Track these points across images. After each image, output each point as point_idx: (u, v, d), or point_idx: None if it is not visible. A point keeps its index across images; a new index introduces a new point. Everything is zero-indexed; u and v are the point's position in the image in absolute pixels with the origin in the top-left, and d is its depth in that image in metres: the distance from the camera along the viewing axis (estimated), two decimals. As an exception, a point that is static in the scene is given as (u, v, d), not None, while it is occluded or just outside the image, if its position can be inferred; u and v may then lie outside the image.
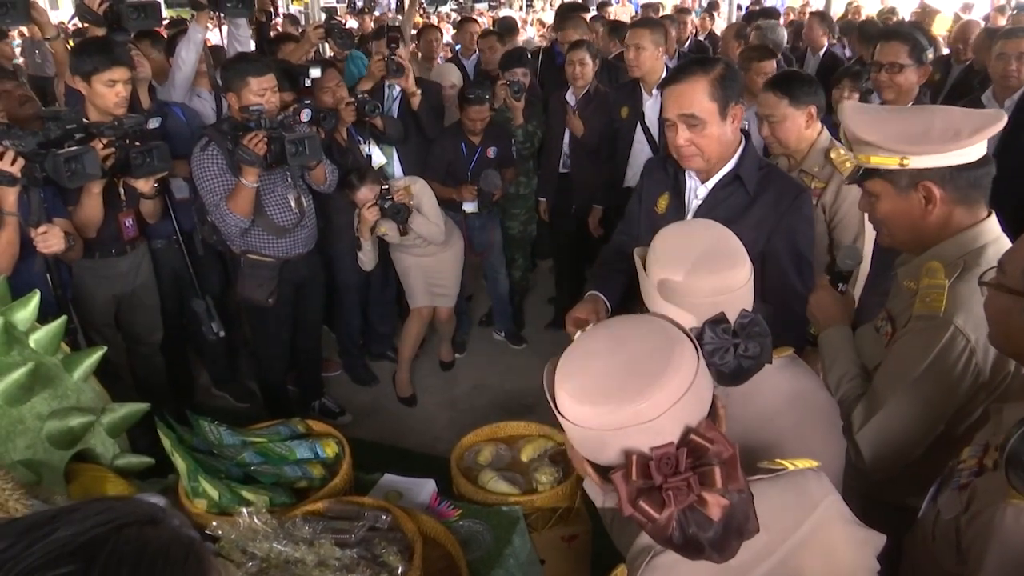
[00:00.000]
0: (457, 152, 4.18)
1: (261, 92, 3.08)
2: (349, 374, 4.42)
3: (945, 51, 5.52)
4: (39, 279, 2.60)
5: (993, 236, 1.56)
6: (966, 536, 1.26)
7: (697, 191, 2.22)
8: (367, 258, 3.80)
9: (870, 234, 2.61)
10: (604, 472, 1.03)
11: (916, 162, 1.53)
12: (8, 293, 2.08)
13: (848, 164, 2.64)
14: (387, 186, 3.63)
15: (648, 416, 0.95)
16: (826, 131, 2.81)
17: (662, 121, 3.90)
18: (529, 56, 4.92)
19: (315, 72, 3.75)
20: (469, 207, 4.21)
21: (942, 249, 1.58)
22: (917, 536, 1.43)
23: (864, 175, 1.64)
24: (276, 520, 1.65)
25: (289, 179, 3.30)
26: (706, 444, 0.96)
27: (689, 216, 2.23)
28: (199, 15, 3.52)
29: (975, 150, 1.52)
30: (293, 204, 3.31)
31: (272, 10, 6.66)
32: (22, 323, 1.98)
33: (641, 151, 4.06)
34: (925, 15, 7.27)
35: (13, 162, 2.43)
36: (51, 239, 2.54)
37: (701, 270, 1.36)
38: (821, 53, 5.86)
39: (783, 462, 1.13)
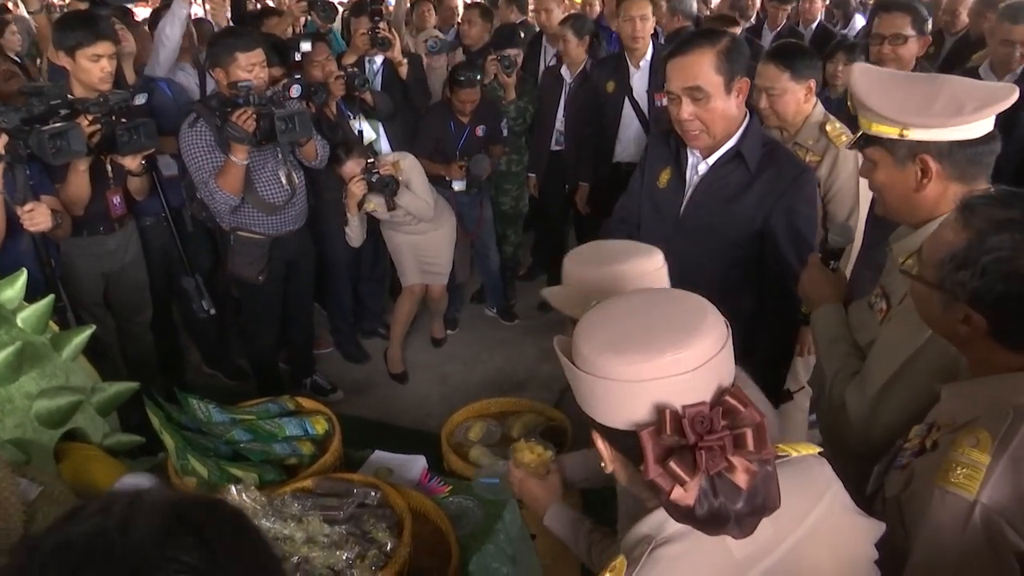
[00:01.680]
0: (445, 130, 4.15)
1: (249, 68, 3.04)
2: (340, 351, 4.42)
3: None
4: (26, 257, 2.58)
5: None
6: (906, 515, 1.28)
7: (698, 167, 2.19)
8: (354, 234, 3.78)
9: (863, 210, 2.62)
10: (617, 440, 0.99)
11: (915, 134, 1.49)
12: (-7, 272, 2.07)
13: (844, 138, 2.64)
14: (373, 159, 3.61)
15: (687, 366, 0.92)
16: (820, 104, 2.79)
17: (651, 94, 3.92)
18: (522, 35, 4.87)
19: (305, 46, 3.73)
20: (457, 186, 4.20)
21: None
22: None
23: (865, 141, 1.61)
24: (265, 497, 1.66)
25: (280, 155, 3.27)
26: (739, 406, 0.92)
27: (689, 191, 2.21)
28: None
29: (979, 126, 1.48)
30: (284, 181, 3.28)
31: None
32: (9, 302, 1.97)
33: (630, 125, 4.04)
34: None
35: None
36: (37, 217, 2.52)
37: (618, 261, 1.50)
38: (814, 26, 5.82)
39: (786, 448, 1.08)
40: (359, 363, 4.37)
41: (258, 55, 3.07)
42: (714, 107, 2.03)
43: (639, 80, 3.99)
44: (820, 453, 1.11)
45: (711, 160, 2.15)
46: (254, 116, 2.96)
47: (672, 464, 0.90)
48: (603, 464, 1.05)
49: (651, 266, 1.54)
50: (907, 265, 1.35)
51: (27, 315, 1.97)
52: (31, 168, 2.59)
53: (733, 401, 0.92)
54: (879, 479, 1.42)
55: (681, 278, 2.12)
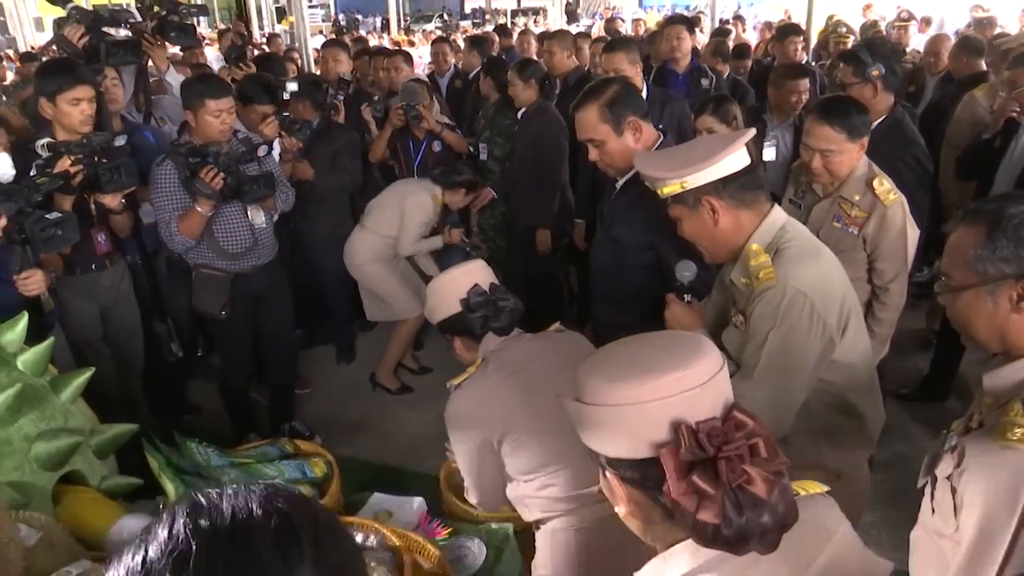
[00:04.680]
0: (404, 146, 4.34)
1: (217, 113, 3.13)
2: (340, 351, 4.73)
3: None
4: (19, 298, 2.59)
5: (784, 218, 1.88)
6: (959, 490, 1.33)
7: (616, 188, 2.53)
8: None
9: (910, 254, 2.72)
10: (633, 472, 0.99)
11: (692, 181, 1.80)
12: (-6, 317, 2.08)
13: (892, 196, 2.62)
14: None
15: (694, 383, 0.95)
16: (864, 156, 2.70)
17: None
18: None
19: (292, 86, 3.91)
20: None
21: (753, 240, 1.84)
22: (920, 522, 1.49)
23: (667, 204, 1.91)
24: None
25: (243, 206, 3.33)
26: (748, 419, 0.95)
27: (607, 207, 2.58)
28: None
29: (734, 161, 1.80)
30: (247, 228, 3.34)
31: (246, 33, 6.76)
32: (9, 345, 1.98)
33: None
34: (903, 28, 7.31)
35: None
36: (31, 284, 2.54)
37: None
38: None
39: (794, 486, 1.06)
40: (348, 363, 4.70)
41: (227, 102, 3.16)
42: (611, 149, 2.40)
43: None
44: (827, 492, 1.12)
45: (621, 182, 2.50)
46: (222, 176, 3.05)
47: (695, 478, 0.92)
48: (617, 509, 1.05)
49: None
50: (938, 290, 1.44)
51: (27, 358, 1.98)
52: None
53: (741, 415, 0.96)
54: (928, 469, 1.47)
55: (602, 275, 2.62)
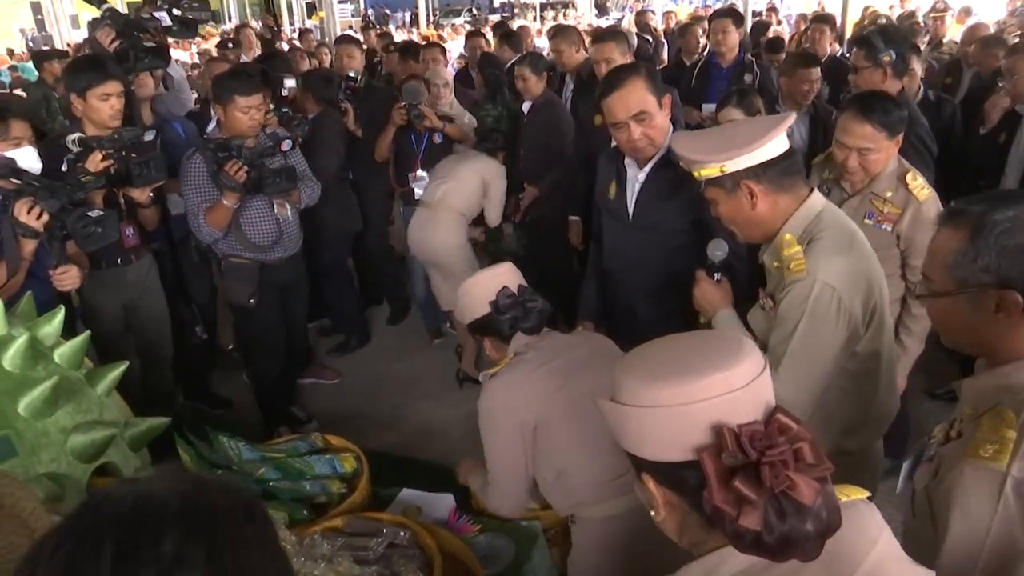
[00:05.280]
0: (406, 140, 4.37)
1: (247, 110, 3.18)
2: (354, 338, 4.77)
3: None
4: (53, 293, 2.63)
5: (821, 205, 1.87)
6: (935, 503, 1.29)
7: (638, 176, 2.48)
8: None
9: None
10: (671, 476, 0.96)
11: (732, 166, 1.79)
12: (34, 309, 2.12)
13: (925, 191, 2.58)
14: None
15: (736, 384, 0.93)
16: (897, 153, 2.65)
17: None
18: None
19: (290, 83, 3.97)
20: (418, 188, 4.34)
21: (788, 228, 1.85)
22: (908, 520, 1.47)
23: (702, 186, 1.91)
24: (295, 537, 1.66)
25: (268, 201, 3.37)
26: (792, 423, 0.92)
27: (632, 197, 2.51)
28: None
29: (775, 146, 1.79)
30: (272, 225, 3.39)
31: (276, 27, 6.82)
32: (47, 338, 2.01)
33: None
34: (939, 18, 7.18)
35: (39, 217, 2.46)
36: (67, 280, 2.58)
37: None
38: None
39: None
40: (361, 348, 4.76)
41: (257, 99, 3.21)
42: (656, 123, 2.37)
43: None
44: (868, 498, 1.08)
45: (646, 169, 2.46)
46: (245, 169, 3.10)
47: (737, 484, 0.89)
48: (653, 514, 1.02)
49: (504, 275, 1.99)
50: (919, 291, 1.45)
51: (64, 351, 2.01)
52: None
53: (785, 419, 0.93)
54: (907, 481, 1.45)
55: (638, 266, 2.56)
